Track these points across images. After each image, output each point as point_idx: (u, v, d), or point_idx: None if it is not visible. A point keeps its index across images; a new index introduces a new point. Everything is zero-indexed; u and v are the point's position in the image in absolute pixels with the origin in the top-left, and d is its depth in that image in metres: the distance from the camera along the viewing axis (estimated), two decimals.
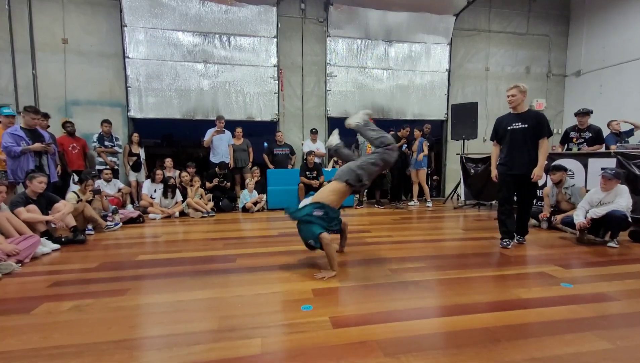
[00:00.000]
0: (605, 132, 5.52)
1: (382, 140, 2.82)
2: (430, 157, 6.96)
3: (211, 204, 5.77)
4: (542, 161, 3.18)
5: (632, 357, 1.48)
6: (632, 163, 4.26)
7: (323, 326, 1.75)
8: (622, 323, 1.78)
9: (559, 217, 4.11)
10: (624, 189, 3.47)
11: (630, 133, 5.76)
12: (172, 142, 12.76)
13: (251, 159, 6.66)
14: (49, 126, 5.22)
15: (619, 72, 7.21)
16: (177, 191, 5.65)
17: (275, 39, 6.99)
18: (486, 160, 6.12)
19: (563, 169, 4.25)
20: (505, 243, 3.38)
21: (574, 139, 5.27)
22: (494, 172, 3.52)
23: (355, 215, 5.58)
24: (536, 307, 1.98)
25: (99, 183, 5.18)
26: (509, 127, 3.33)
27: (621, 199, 3.40)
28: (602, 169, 3.87)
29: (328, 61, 7.31)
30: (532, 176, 3.18)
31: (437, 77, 7.83)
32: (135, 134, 6.28)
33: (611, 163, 4.40)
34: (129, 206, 5.58)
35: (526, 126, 3.22)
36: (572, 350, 1.52)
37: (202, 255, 3.18)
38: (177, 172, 6.25)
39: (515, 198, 3.51)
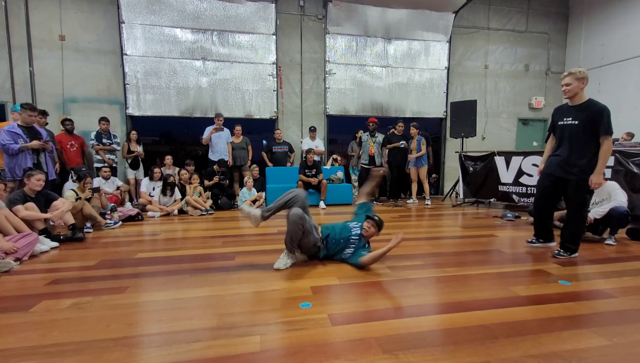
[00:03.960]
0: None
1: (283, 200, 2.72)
2: (428, 153, 6.96)
3: (210, 202, 5.77)
4: (600, 165, 2.71)
5: (628, 354, 1.49)
6: (630, 161, 4.28)
7: (322, 323, 1.76)
8: (618, 320, 1.80)
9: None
10: (615, 186, 3.47)
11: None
12: (170, 139, 12.73)
13: (250, 157, 6.65)
14: (47, 124, 5.20)
15: (617, 70, 7.22)
16: (176, 188, 5.64)
17: (274, 36, 6.97)
18: (485, 158, 6.14)
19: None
20: (529, 241, 3.29)
21: None
22: (541, 166, 3.19)
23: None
24: (533, 304, 1.99)
25: (98, 181, 5.17)
26: (559, 122, 2.91)
27: (618, 196, 3.39)
28: None
29: (327, 59, 7.29)
30: (589, 184, 2.74)
31: (436, 75, 7.83)
32: (134, 132, 6.26)
33: (609, 161, 4.41)
34: (128, 204, 5.57)
35: (576, 122, 2.77)
36: (569, 347, 1.53)
37: (201, 252, 3.18)
38: (177, 169, 6.24)
39: (553, 203, 3.18)
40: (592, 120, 2.69)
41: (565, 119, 2.87)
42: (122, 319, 1.82)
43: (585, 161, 2.76)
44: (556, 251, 3.01)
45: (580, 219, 2.94)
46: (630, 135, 5.73)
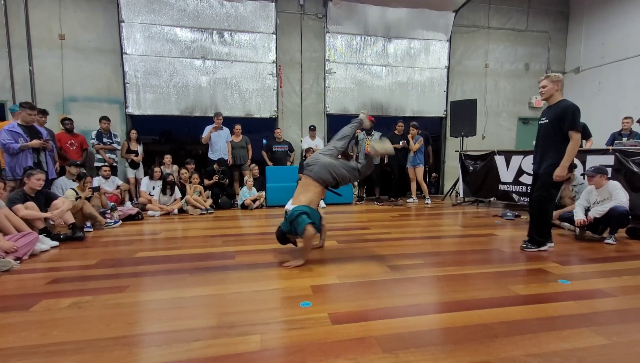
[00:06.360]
0: (610, 128, 5.52)
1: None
2: (428, 153, 6.95)
3: (210, 201, 5.77)
4: (565, 159, 2.85)
5: (628, 352, 1.49)
6: (630, 160, 4.27)
7: (322, 322, 1.76)
8: (618, 319, 1.80)
9: (555, 213, 4.10)
10: (617, 185, 3.47)
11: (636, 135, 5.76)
12: (170, 139, 12.71)
13: (250, 156, 6.65)
14: (45, 123, 5.18)
15: (617, 69, 7.21)
16: (176, 188, 5.64)
17: (274, 35, 6.96)
18: (485, 157, 6.13)
19: (574, 166, 4.25)
20: (523, 245, 3.24)
21: None
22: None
23: (354, 212, 5.59)
24: (533, 303, 1.99)
25: (98, 180, 5.17)
26: (539, 123, 3.14)
27: (619, 195, 3.38)
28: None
29: (327, 58, 7.28)
30: (554, 177, 2.90)
31: (436, 74, 7.81)
32: (134, 131, 6.26)
33: (609, 160, 4.41)
34: (128, 203, 5.57)
35: (547, 121, 2.99)
36: (568, 346, 1.53)
37: (201, 251, 3.18)
38: (175, 166, 6.24)
39: None
40: (559, 117, 2.87)
41: (542, 119, 3.10)
42: (122, 318, 1.82)
43: (555, 157, 2.92)
44: (523, 244, 3.18)
45: (543, 213, 3.07)
46: (629, 118, 5.74)
